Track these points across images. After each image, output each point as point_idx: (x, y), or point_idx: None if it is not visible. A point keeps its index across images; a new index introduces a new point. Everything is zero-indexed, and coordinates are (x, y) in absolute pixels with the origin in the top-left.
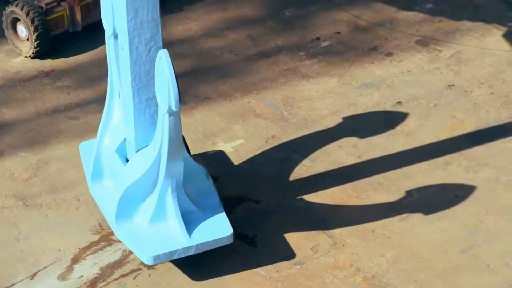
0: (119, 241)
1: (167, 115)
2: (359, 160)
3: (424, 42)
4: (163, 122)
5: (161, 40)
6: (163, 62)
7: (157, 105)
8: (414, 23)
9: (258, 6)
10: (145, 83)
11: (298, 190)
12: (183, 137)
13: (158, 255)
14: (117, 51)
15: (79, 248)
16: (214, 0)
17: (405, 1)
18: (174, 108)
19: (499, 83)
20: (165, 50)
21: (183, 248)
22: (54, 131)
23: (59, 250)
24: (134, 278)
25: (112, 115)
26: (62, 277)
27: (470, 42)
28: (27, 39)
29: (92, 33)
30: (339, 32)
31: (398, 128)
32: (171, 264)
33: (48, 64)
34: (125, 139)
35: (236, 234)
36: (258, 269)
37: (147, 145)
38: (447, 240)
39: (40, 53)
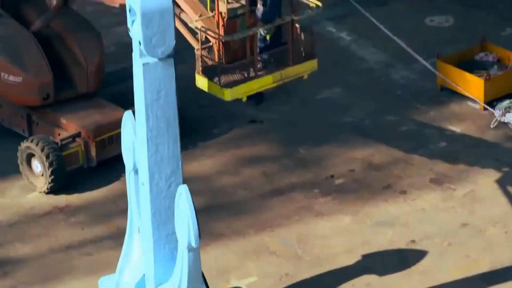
0: None
1: (186, 250)
2: None
3: (438, 181)
4: (183, 258)
5: (181, 175)
6: (184, 198)
7: (176, 241)
8: (428, 161)
9: (272, 143)
10: (165, 218)
11: None
12: (203, 274)
13: None
14: (137, 186)
15: None
16: (228, 137)
17: (419, 140)
18: (193, 245)
19: None
20: (185, 185)
21: None
22: (68, 267)
23: None
24: None
25: (132, 251)
26: None
27: (484, 181)
28: (42, 175)
29: (106, 169)
30: (353, 170)
31: (413, 267)
32: None
33: (62, 199)
34: (144, 275)
35: None
36: None
37: (167, 281)
38: None
39: (54, 189)
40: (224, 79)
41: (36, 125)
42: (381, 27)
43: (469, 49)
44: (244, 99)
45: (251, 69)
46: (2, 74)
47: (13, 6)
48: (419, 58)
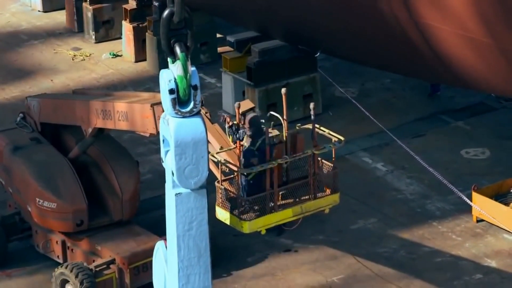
0: None
1: None
2: None
3: None
4: None
5: None
6: (160, 254)
7: None
8: None
9: (306, 273)
10: None
11: None
12: None
13: None
14: None
15: None
16: (263, 266)
17: (454, 272)
18: None
19: None
20: (162, 242)
21: None
22: None
23: None
24: None
25: None
26: None
27: None
28: None
29: None
30: None
31: None
32: None
33: None
34: None
35: None
36: None
37: None
38: None
39: None
40: (243, 211)
41: (71, 251)
42: (417, 158)
43: (505, 181)
44: (263, 232)
45: (271, 202)
46: (37, 199)
47: (52, 133)
48: (455, 190)
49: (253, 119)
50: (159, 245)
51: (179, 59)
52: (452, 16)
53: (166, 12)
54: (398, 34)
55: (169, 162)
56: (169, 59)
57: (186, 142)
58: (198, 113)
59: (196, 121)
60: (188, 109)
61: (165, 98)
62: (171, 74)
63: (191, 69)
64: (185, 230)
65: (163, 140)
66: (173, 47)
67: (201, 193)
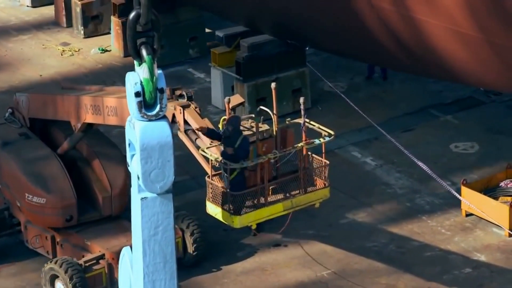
0: None
1: None
2: None
3: None
4: None
5: None
6: (126, 260)
7: None
8: None
9: (296, 267)
10: None
11: None
12: None
13: None
14: None
15: None
16: (252, 261)
17: (443, 266)
18: None
19: None
20: (128, 248)
21: None
22: None
23: None
24: None
25: None
26: None
27: None
28: None
29: None
30: None
31: None
32: None
33: None
34: None
35: None
36: None
37: None
38: None
39: None
40: (234, 206)
41: (60, 246)
42: (406, 152)
43: (494, 175)
44: (254, 227)
45: (261, 197)
46: (26, 195)
47: (41, 128)
48: (444, 184)
49: (231, 119)
50: (125, 250)
51: (145, 61)
52: (442, 10)
53: (132, 14)
54: (387, 28)
55: (134, 166)
56: (135, 62)
57: (152, 146)
58: (164, 117)
59: (162, 125)
60: (154, 112)
61: (131, 101)
62: (137, 77)
63: (158, 72)
64: (151, 235)
65: (129, 144)
66: (139, 49)
67: (167, 197)
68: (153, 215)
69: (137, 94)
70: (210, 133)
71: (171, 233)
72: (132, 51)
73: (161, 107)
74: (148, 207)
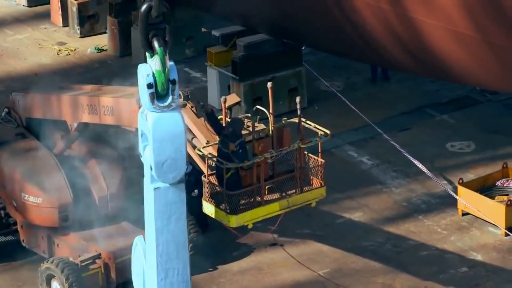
0: None
1: None
2: None
3: None
4: None
5: None
6: (139, 249)
7: None
8: (449, 287)
9: (292, 266)
10: None
11: None
12: None
13: None
14: None
15: None
16: (248, 260)
17: (440, 265)
18: None
19: None
20: (141, 237)
21: None
22: None
23: None
24: None
25: None
26: None
27: None
28: None
29: None
30: None
31: None
32: None
33: None
34: None
35: None
36: None
37: None
38: None
39: None
40: (230, 205)
41: (57, 246)
42: (403, 151)
43: (490, 174)
44: (250, 226)
45: (258, 196)
46: (22, 194)
47: (37, 127)
48: (441, 183)
49: (233, 120)
50: (138, 240)
51: (157, 53)
52: (439, 10)
53: (144, 7)
54: (384, 28)
55: (147, 156)
56: (147, 54)
57: (164, 136)
58: (176, 108)
59: (175, 116)
60: (166, 103)
61: (143, 93)
62: (149, 69)
63: (169, 63)
64: (164, 225)
65: (142, 135)
66: (151, 41)
67: (180, 187)
68: (166, 205)
69: (149, 86)
70: (212, 118)
71: (184, 223)
72: (144, 43)
73: (173, 98)
74: (161, 197)
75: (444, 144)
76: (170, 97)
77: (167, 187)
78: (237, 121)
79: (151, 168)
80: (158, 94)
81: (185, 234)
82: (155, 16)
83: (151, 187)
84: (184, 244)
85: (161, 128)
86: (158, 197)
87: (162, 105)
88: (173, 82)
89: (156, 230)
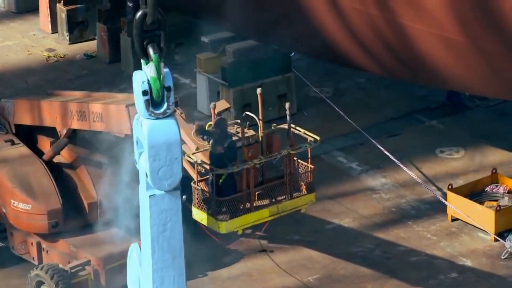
0: None
1: None
2: None
3: None
4: None
5: None
6: (134, 256)
7: None
8: None
9: (282, 273)
10: None
11: None
12: None
13: None
14: None
15: None
16: (238, 266)
17: (429, 271)
18: None
19: None
20: (136, 244)
21: None
22: None
23: None
24: None
25: None
26: None
27: None
28: None
29: None
30: None
31: None
32: None
33: None
34: None
35: None
36: None
37: None
38: None
39: None
40: (220, 212)
41: (46, 252)
42: (392, 157)
43: (479, 180)
44: (240, 232)
45: (247, 202)
46: (12, 201)
47: (27, 134)
48: (430, 189)
49: (217, 121)
50: (133, 247)
51: (152, 60)
52: (427, 15)
53: (139, 14)
54: (373, 33)
55: (143, 163)
56: (142, 61)
57: (160, 143)
58: (171, 115)
59: (170, 123)
60: (161, 110)
61: (139, 100)
62: (144, 76)
63: (164, 70)
64: (159, 232)
65: (137, 142)
66: (146, 48)
67: (175, 194)
68: (161, 212)
69: (144, 93)
70: (201, 132)
71: (179, 230)
72: (139, 50)
73: (168, 105)
74: (157, 204)
75: (434, 150)
76: (166, 104)
77: (163, 194)
78: (220, 121)
79: (147, 175)
80: (153, 101)
81: (181, 242)
82: (150, 23)
83: (147, 194)
84: (180, 251)
85: (156, 135)
86: (154, 204)
87: (157, 112)
88: (168, 89)
89: (151, 238)
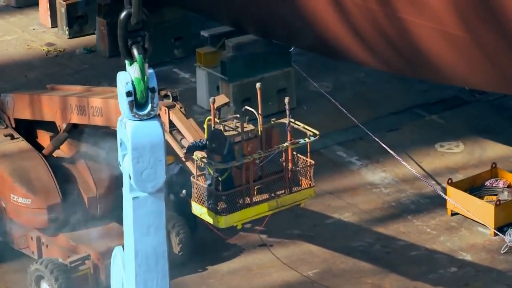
0: None
1: None
2: None
3: None
4: None
5: None
6: (118, 260)
7: None
8: (438, 287)
9: (282, 267)
10: None
11: None
12: None
13: None
14: None
15: None
16: (238, 260)
17: (429, 265)
18: None
19: None
20: (120, 247)
21: None
22: None
23: None
24: None
25: None
26: None
27: None
28: None
29: None
30: None
31: None
32: None
33: None
34: None
35: None
36: None
37: None
38: None
39: None
40: (219, 206)
41: (46, 247)
42: (391, 152)
43: (479, 174)
44: (239, 227)
45: (247, 197)
46: (11, 195)
47: (26, 129)
48: (430, 184)
49: (211, 135)
50: (117, 250)
51: (136, 61)
52: (428, 10)
53: (123, 14)
54: (373, 28)
55: (126, 165)
56: (126, 62)
57: (143, 145)
58: (156, 116)
59: (154, 124)
60: (145, 111)
61: (123, 101)
62: (128, 77)
63: (149, 71)
64: (143, 235)
65: (121, 144)
66: (130, 49)
67: (159, 197)
68: (145, 215)
69: (128, 94)
70: (194, 149)
71: (163, 233)
72: (123, 51)
73: (152, 107)
74: (140, 207)
75: (433, 144)
76: (150, 106)
77: (146, 196)
78: (215, 135)
79: (130, 177)
80: (137, 102)
81: (165, 244)
82: (134, 23)
83: (130, 196)
84: (163, 254)
85: (140, 137)
86: (137, 206)
87: (141, 113)
88: (153, 90)
89: (135, 240)
